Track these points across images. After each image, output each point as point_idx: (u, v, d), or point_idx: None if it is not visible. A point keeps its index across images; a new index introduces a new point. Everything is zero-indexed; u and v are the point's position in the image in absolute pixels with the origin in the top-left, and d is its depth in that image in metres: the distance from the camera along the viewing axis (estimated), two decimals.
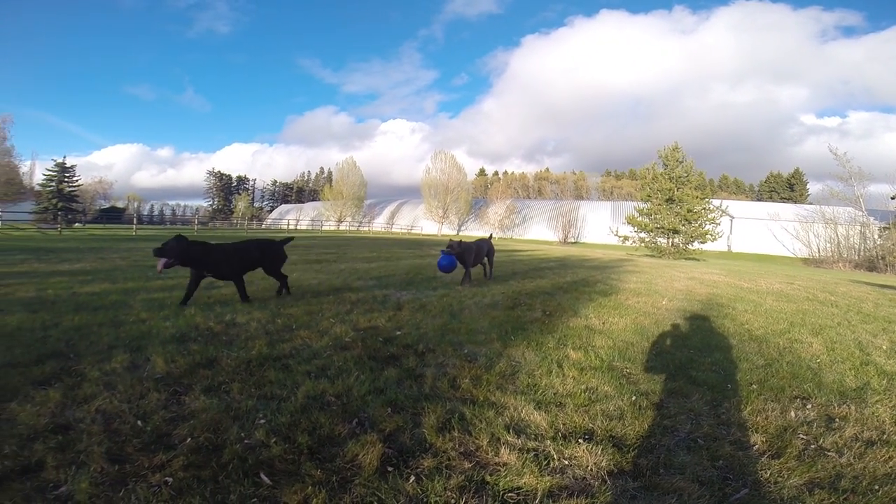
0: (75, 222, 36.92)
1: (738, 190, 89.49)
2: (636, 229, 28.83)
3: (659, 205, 27.78)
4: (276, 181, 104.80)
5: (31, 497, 1.57)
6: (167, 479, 1.68)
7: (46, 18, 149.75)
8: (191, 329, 3.72)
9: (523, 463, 1.91)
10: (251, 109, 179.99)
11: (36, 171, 48.38)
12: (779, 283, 10.55)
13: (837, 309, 6.68)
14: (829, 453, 2.17)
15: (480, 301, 5.56)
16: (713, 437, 2.26)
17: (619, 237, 29.58)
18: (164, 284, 5.89)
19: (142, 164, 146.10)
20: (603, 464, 1.94)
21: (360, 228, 56.34)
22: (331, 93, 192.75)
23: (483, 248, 7.66)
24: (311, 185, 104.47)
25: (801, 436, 2.33)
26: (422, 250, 16.58)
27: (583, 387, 2.82)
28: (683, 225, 27.12)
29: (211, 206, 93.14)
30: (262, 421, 2.15)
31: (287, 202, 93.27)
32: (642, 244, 28.36)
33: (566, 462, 1.95)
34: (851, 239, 34.72)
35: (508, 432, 2.17)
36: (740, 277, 11.56)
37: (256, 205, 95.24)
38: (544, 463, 1.93)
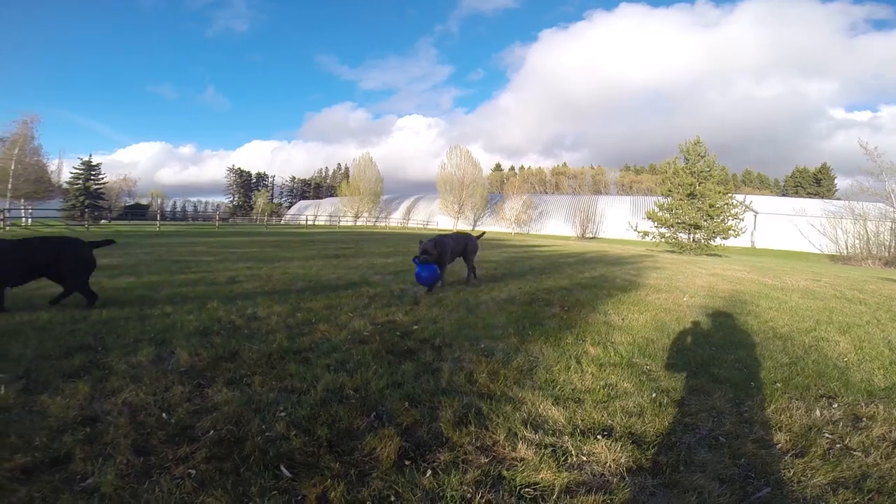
0: (101, 219, 38.11)
1: (762, 185, 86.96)
2: (656, 224, 28.23)
3: (680, 200, 27.16)
4: (294, 177, 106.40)
5: (58, 489, 1.59)
6: (190, 470, 1.71)
7: (72, 22, 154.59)
8: (213, 322, 3.81)
9: (540, 458, 1.90)
10: (270, 107, 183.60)
11: (63, 169, 49.29)
12: (805, 279, 10.24)
13: (866, 307, 6.46)
14: (855, 453, 2.11)
15: (497, 296, 5.55)
16: (735, 435, 2.22)
17: (639, 232, 29.00)
18: (186, 279, 6.04)
19: (165, 162, 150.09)
20: (622, 460, 1.92)
21: (377, 224, 56.76)
22: (348, 89, 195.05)
23: (460, 243, 6.55)
24: (328, 181, 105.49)
25: (827, 435, 2.28)
26: None
27: (602, 383, 2.79)
28: (705, 220, 26.45)
29: (231, 202, 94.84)
30: (283, 414, 2.18)
31: (305, 198, 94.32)
32: (663, 240, 27.79)
33: (584, 458, 1.94)
34: (882, 235, 33.31)
35: (526, 427, 2.16)
36: (764, 274, 11.27)
37: (275, 201, 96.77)
38: (562, 458, 1.92)
